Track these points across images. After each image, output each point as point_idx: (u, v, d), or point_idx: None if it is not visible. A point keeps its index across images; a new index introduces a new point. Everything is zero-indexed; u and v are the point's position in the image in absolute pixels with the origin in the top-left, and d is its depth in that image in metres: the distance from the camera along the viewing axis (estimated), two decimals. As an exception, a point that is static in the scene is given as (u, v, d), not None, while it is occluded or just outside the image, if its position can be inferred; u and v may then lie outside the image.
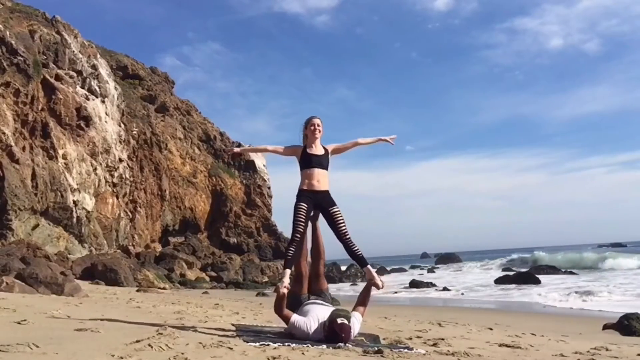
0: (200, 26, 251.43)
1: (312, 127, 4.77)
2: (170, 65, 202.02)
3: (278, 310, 4.38)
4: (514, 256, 44.15)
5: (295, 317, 4.31)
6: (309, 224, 4.77)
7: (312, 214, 4.75)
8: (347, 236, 4.63)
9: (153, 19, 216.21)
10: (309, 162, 4.69)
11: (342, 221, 4.65)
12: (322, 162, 4.71)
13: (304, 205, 4.57)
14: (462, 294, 20.27)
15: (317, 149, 4.76)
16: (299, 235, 4.52)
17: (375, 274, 4.61)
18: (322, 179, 4.67)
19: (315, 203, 4.65)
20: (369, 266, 4.65)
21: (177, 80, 56.08)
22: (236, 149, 5.42)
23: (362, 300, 4.63)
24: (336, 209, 4.67)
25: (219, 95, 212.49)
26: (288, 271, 4.42)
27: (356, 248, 4.64)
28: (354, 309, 4.52)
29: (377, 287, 4.60)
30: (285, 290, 4.30)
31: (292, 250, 4.48)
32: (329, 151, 4.81)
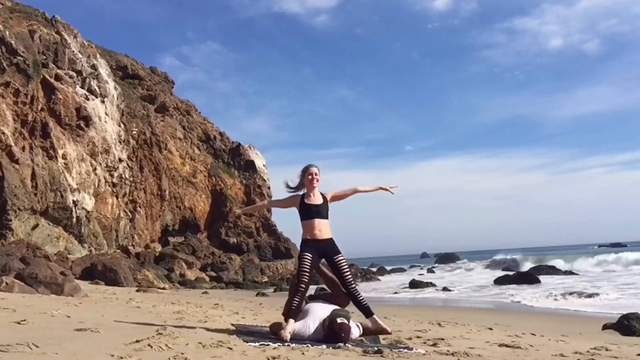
0: (200, 26, 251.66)
1: (310, 177, 4.76)
2: (169, 65, 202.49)
3: (275, 332, 4.41)
4: (498, 257, 44.28)
5: (292, 327, 4.31)
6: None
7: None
8: (353, 285, 4.65)
9: (152, 19, 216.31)
10: (308, 213, 4.69)
11: (347, 270, 4.66)
12: (320, 211, 4.70)
13: (308, 256, 4.57)
14: (462, 294, 20.28)
15: (316, 198, 4.75)
16: (303, 286, 4.50)
17: (381, 322, 4.63)
18: (323, 228, 4.66)
19: (320, 252, 4.64)
20: (374, 316, 4.64)
21: (176, 80, 55.99)
22: (238, 211, 5.88)
23: (364, 330, 4.63)
24: (341, 258, 4.66)
25: (218, 95, 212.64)
26: (292, 321, 4.37)
27: (361, 297, 4.64)
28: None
29: (387, 333, 4.67)
30: (288, 339, 4.18)
31: (296, 301, 4.47)
32: (328, 199, 4.80)
